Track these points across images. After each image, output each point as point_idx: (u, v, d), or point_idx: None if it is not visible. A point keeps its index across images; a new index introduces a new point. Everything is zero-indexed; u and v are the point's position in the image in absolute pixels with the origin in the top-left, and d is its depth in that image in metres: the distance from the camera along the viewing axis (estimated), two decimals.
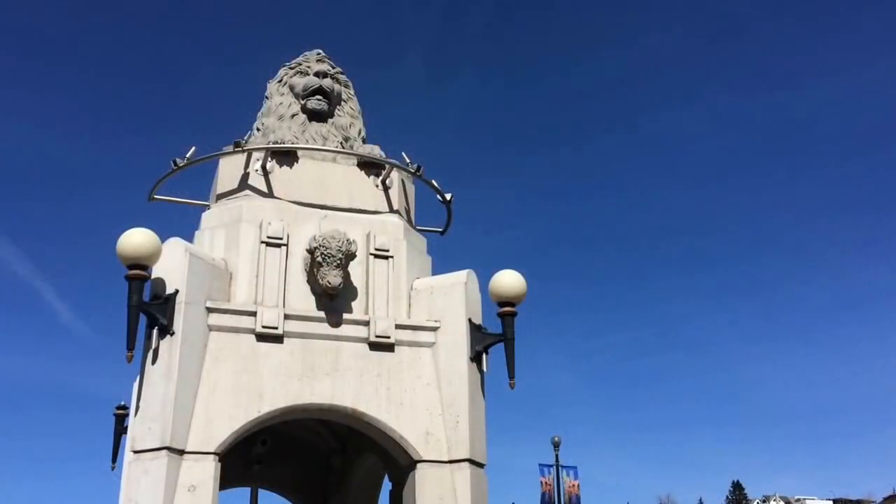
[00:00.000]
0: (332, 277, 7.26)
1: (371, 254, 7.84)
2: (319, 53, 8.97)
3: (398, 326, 7.59)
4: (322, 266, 7.28)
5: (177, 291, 6.94)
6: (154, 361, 6.85)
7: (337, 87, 8.79)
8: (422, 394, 7.48)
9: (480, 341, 7.72)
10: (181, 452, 6.65)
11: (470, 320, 7.74)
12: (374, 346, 7.49)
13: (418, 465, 7.33)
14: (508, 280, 7.75)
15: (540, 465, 34.18)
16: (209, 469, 6.70)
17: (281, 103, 8.61)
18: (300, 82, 8.65)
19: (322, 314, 7.45)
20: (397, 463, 7.68)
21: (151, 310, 6.82)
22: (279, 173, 8.07)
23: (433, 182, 8.84)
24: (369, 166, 8.41)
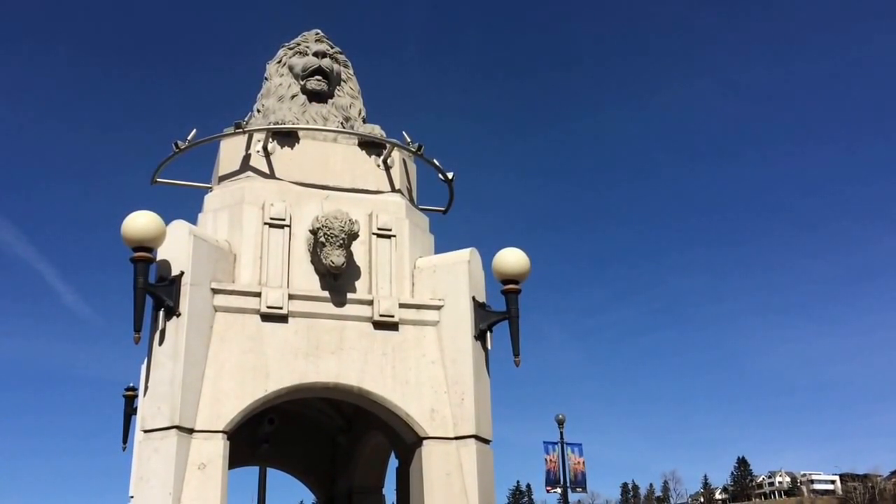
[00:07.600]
0: (336, 257, 7.30)
1: (374, 233, 7.87)
2: (318, 33, 8.91)
3: (402, 305, 7.64)
4: (325, 246, 7.31)
5: (182, 273, 6.99)
6: (161, 343, 6.91)
7: (336, 66, 8.76)
8: (427, 372, 7.53)
9: (484, 319, 7.75)
10: (190, 431, 6.73)
11: (474, 298, 7.77)
12: (379, 325, 7.55)
13: (424, 442, 7.40)
14: (512, 258, 7.77)
15: (545, 442, 34.27)
16: (218, 447, 6.78)
17: (280, 84, 8.58)
18: (299, 63, 8.61)
19: (326, 294, 7.49)
20: (403, 440, 7.75)
21: (157, 292, 6.88)
22: (280, 154, 8.08)
23: (434, 161, 8.83)
24: (370, 146, 8.41)
